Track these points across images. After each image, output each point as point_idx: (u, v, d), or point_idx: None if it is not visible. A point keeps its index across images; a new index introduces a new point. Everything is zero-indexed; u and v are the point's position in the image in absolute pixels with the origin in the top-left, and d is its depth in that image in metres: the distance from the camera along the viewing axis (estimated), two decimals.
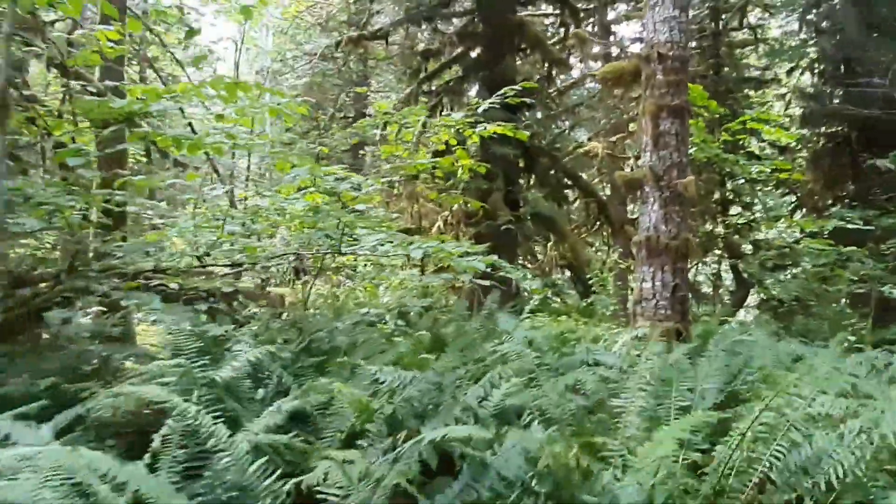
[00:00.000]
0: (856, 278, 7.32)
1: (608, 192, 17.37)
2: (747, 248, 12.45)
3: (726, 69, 13.16)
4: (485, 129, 5.61)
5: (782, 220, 10.43)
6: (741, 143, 12.65)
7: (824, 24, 11.56)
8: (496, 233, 9.86)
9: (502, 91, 5.63)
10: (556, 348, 4.84)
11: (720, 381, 3.83)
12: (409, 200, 11.12)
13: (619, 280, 17.95)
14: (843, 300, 8.24)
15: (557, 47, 11.03)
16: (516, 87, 5.54)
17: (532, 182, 11.46)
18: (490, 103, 5.79)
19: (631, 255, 19.38)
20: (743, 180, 11.25)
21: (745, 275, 14.13)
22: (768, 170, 9.50)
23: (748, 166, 8.56)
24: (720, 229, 12.57)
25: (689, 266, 5.28)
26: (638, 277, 5.28)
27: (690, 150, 6.17)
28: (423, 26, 12.05)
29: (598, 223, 18.91)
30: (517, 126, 6.20)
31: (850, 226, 7.50)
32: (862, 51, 10.41)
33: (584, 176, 13.17)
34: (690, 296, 16.55)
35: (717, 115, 9.44)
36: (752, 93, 13.49)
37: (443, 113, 11.85)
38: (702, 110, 9.12)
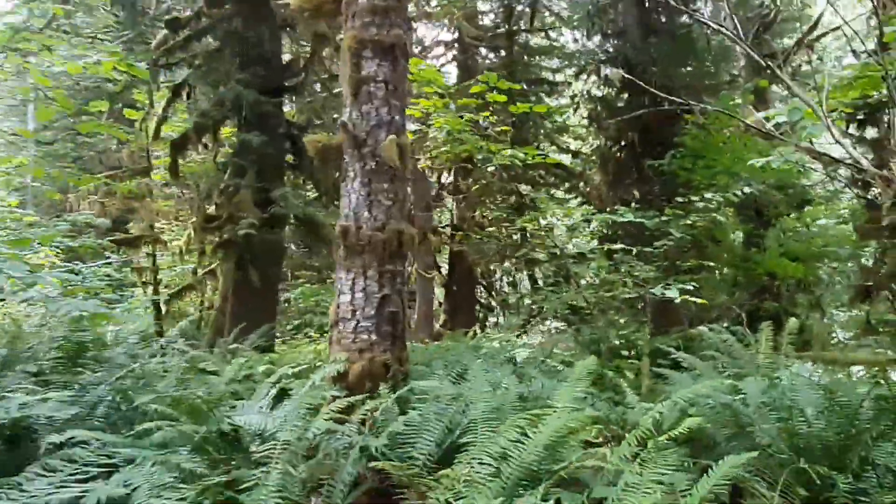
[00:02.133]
0: (627, 282, 6.58)
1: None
2: (542, 256, 11.91)
3: (519, 69, 12.58)
4: None
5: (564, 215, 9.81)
6: (536, 144, 12.11)
7: (609, 29, 11.38)
8: (250, 241, 7.96)
9: None
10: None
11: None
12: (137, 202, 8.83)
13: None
14: (620, 306, 7.57)
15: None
16: None
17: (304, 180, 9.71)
18: None
19: (436, 267, 18.52)
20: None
21: (541, 283, 13.66)
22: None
23: (523, 155, 7.57)
24: (516, 235, 11.86)
25: (405, 269, 3.88)
26: (336, 287, 3.76)
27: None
28: None
29: None
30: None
31: (635, 222, 6.73)
32: (642, 53, 10.19)
33: None
34: (478, 308, 15.45)
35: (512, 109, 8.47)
36: (544, 96, 13.05)
37: (189, 97, 9.73)
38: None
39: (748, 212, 9.55)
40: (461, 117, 8.72)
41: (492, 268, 15.55)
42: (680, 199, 7.43)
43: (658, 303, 8.59)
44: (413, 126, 10.37)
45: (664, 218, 6.76)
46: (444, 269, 18.88)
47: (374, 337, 3.56)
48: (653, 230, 6.87)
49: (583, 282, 9.13)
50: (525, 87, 12.33)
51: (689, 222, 6.77)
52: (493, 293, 16.21)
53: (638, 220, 6.81)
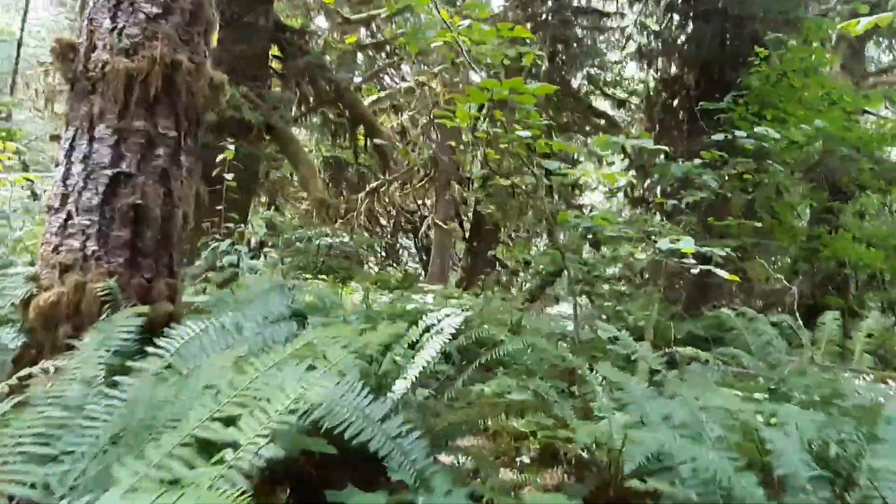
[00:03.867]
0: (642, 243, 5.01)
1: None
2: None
3: None
4: None
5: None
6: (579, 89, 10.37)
7: None
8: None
9: None
10: None
11: None
12: None
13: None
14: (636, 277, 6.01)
15: None
16: None
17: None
18: None
19: (457, 215, 17.05)
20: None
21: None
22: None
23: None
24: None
25: (188, 133, 2.46)
26: None
27: None
28: None
29: (427, 175, 16.38)
30: None
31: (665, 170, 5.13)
32: None
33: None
34: (500, 268, 13.75)
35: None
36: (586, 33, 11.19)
37: None
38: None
39: (819, 181, 7.68)
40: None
41: (513, 225, 14.03)
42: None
43: (694, 282, 7.03)
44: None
45: (697, 162, 5.11)
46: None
47: (91, 245, 2.21)
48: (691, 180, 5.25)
49: (604, 249, 7.61)
50: (570, 15, 10.52)
51: (729, 173, 5.10)
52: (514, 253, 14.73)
53: (663, 170, 5.19)
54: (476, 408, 3.25)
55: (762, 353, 2.82)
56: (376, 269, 21.59)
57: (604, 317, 6.50)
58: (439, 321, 3.05)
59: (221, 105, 2.47)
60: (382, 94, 13.59)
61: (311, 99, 7.49)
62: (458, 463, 2.83)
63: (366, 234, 19.92)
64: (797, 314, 4.06)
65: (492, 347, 2.93)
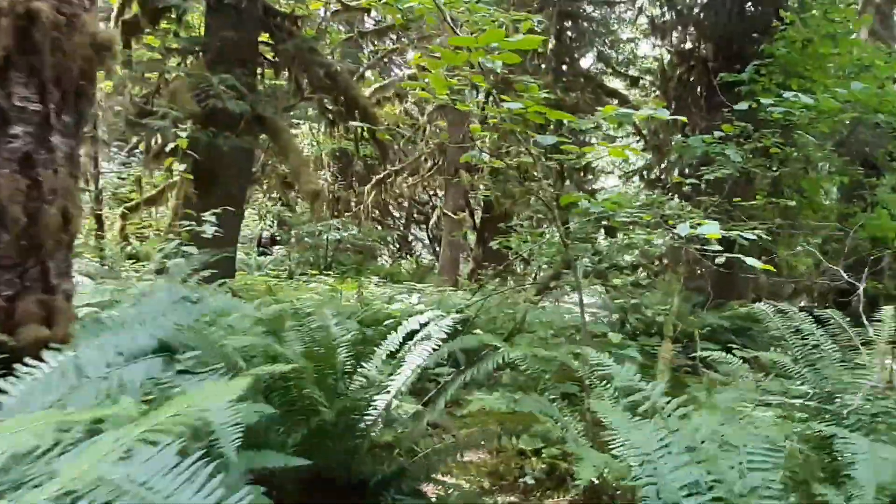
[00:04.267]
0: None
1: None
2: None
3: None
4: None
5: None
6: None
7: None
8: (209, 147, 6.33)
9: None
10: None
11: None
12: None
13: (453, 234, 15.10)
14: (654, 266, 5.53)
15: None
16: None
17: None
18: None
19: (467, 204, 16.58)
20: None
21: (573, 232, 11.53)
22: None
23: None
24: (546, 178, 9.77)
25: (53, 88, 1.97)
26: None
27: None
28: None
29: (435, 164, 15.91)
30: None
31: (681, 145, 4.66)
32: None
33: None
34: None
35: None
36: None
37: None
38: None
39: (850, 155, 7.09)
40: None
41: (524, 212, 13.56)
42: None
43: (718, 269, 6.46)
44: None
45: (718, 135, 4.61)
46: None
47: None
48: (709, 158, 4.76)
49: (620, 235, 7.11)
50: None
51: (755, 146, 4.60)
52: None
53: (682, 148, 4.70)
54: (471, 424, 2.84)
55: (808, 361, 2.34)
56: (390, 261, 21.25)
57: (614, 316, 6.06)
58: (423, 325, 2.64)
59: (112, 70, 2.04)
60: (385, 81, 13.15)
61: (305, 86, 7.07)
62: (446, 493, 2.43)
63: (378, 227, 19.56)
64: (859, 303, 3.51)
65: (484, 357, 2.52)
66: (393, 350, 2.55)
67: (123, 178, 9.37)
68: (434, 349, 2.70)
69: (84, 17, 1.84)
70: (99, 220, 7.53)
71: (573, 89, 9.60)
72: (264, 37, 7.76)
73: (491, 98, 3.22)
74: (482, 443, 2.52)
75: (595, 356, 2.22)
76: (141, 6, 6.93)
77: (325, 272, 13.69)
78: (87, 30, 1.86)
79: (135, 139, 6.56)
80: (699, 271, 7.87)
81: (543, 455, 2.72)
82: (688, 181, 4.61)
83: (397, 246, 22.77)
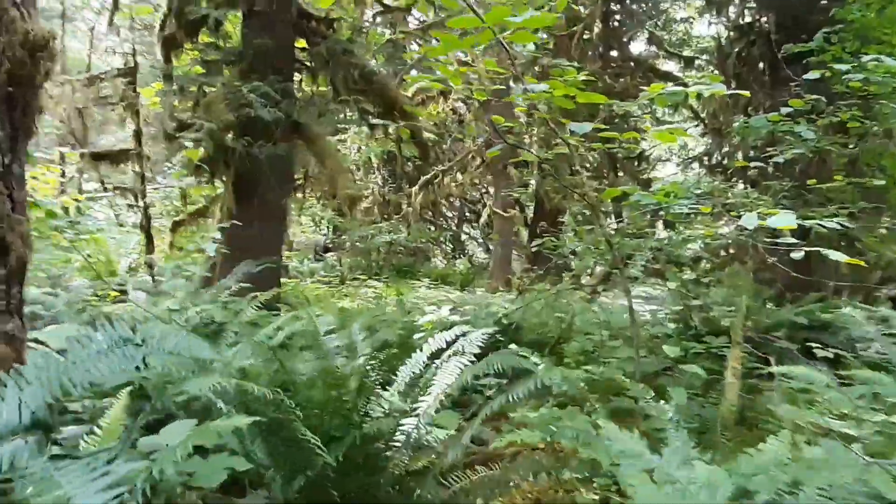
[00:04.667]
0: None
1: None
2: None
3: None
4: None
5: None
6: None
7: None
8: (248, 158, 6.26)
9: None
10: None
11: None
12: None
13: (501, 234, 14.74)
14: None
15: None
16: None
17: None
18: None
19: (517, 203, 16.15)
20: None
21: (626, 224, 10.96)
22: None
23: None
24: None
25: None
26: None
27: None
28: None
29: (483, 162, 15.56)
30: None
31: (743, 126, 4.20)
32: None
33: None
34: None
35: None
36: None
37: None
38: None
39: None
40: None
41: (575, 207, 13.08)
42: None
43: (791, 262, 5.85)
44: None
45: (786, 111, 4.11)
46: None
47: None
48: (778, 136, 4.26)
49: (679, 227, 6.60)
50: None
51: (831, 121, 4.07)
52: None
53: (745, 130, 4.23)
54: (505, 459, 2.54)
55: None
56: (443, 262, 21.06)
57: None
58: (450, 343, 2.35)
59: (50, 73, 1.80)
60: (429, 79, 12.91)
61: (340, 88, 6.91)
62: None
63: (431, 228, 19.39)
64: None
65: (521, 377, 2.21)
66: (417, 371, 2.28)
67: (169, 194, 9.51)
68: (467, 365, 2.42)
69: (13, 14, 1.62)
70: (149, 236, 7.61)
71: (622, 75, 9.09)
72: (301, 43, 7.67)
73: (522, 87, 2.90)
74: (522, 474, 2.21)
75: (642, 394, 1.88)
76: (177, 20, 6.93)
77: (377, 276, 13.61)
78: (17, 28, 1.64)
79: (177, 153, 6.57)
80: (770, 260, 7.25)
81: (595, 484, 2.40)
82: (752, 165, 4.13)
83: (450, 246, 22.56)
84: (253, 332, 3.52)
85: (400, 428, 2.24)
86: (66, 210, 6.07)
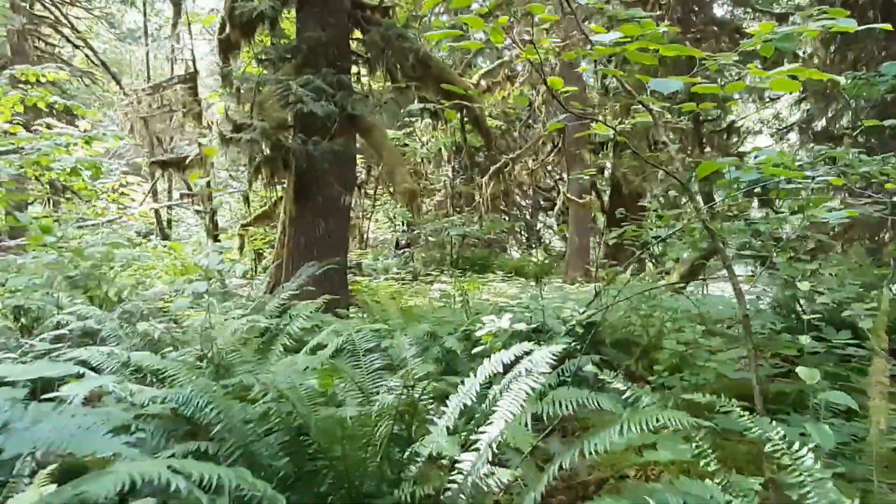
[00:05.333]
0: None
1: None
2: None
3: None
4: None
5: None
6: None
7: None
8: (304, 155, 6.05)
9: None
10: None
11: None
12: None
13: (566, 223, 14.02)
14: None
15: None
16: None
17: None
18: None
19: (592, 186, 15.32)
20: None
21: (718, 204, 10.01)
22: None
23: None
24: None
25: None
26: None
27: None
28: None
29: (555, 147, 14.87)
30: None
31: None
32: None
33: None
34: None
35: None
36: None
37: None
38: None
39: None
40: None
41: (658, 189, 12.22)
42: None
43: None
44: None
45: None
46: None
47: None
48: None
49: (784, 203, 5.80)
50: None
51: None
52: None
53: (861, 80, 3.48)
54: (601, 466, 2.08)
55: None
56: (518, 253, 20.48)
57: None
58: (509, 364, 1.91)
59: None
60: (493, 64, 12.42)
61: (397, 75, 6.56)
62: None
63: (505, 218, 18.87)
64: None
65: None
66: (469, 402, 1.86)
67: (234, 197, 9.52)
68: (534, 388, 1.97)
69: None
70: (216, 240, 7.58)
71: (705, 39, 8.23)
72: (357, 34, 7.39)
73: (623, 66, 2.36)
74: None
75: (768, 430, 1.37)
76: (230, 20, 6.80)
77: (452, 269, 13.27)
78: None
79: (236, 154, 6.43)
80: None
81: None
82: (887, 124, 3.39)
83: (525, 236, 21.92)
84: (302, 343, 3.21)
85: (450, 479, 1.82)
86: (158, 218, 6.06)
